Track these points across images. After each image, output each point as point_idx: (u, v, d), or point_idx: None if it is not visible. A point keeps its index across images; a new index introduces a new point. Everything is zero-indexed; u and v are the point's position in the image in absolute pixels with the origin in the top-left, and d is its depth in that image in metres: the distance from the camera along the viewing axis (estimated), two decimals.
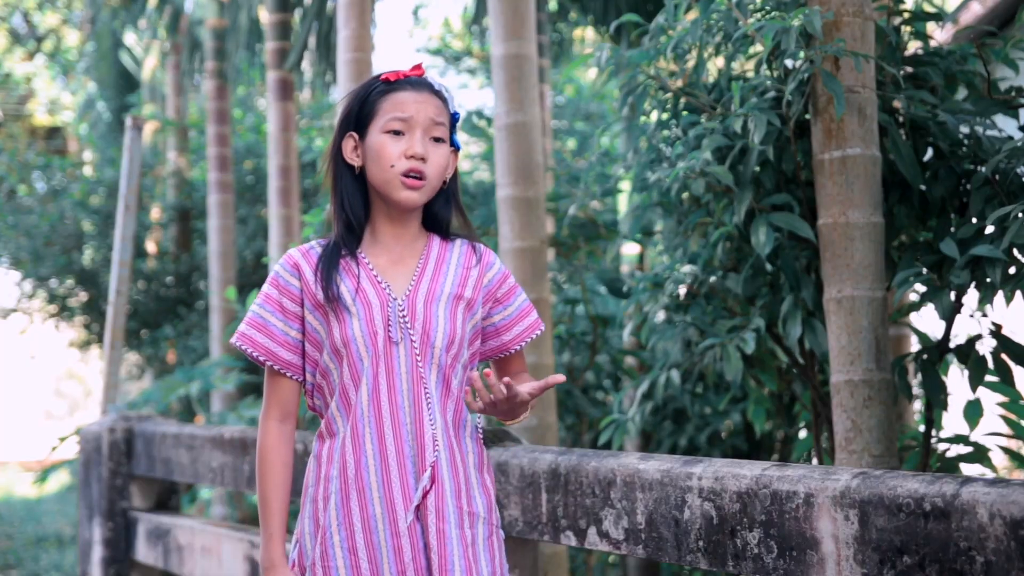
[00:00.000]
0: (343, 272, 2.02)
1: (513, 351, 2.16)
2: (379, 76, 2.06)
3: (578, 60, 4.22)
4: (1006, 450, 3.09)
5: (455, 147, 2.10)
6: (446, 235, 2.13)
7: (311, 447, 2.10)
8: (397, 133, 2.00)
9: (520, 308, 2.16)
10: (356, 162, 2.05)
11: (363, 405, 1.98)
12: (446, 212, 2.12)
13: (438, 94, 2.05)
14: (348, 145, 2.06)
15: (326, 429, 2.04)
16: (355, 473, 1.97)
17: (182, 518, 4.21)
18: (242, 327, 2.07)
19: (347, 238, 2.05)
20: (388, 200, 2.03)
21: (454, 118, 2.09)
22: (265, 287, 2.08)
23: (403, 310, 2.00)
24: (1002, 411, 3.19)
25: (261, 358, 2.05)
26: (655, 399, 3.57)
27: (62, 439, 6.67)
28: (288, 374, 2.06)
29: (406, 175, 1.99)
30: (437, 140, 2.03)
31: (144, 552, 4.27)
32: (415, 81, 2.04)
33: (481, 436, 2.10)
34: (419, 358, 1.99)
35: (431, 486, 1.97)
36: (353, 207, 2.05)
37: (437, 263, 2.07)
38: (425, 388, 1.99)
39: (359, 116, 2.05)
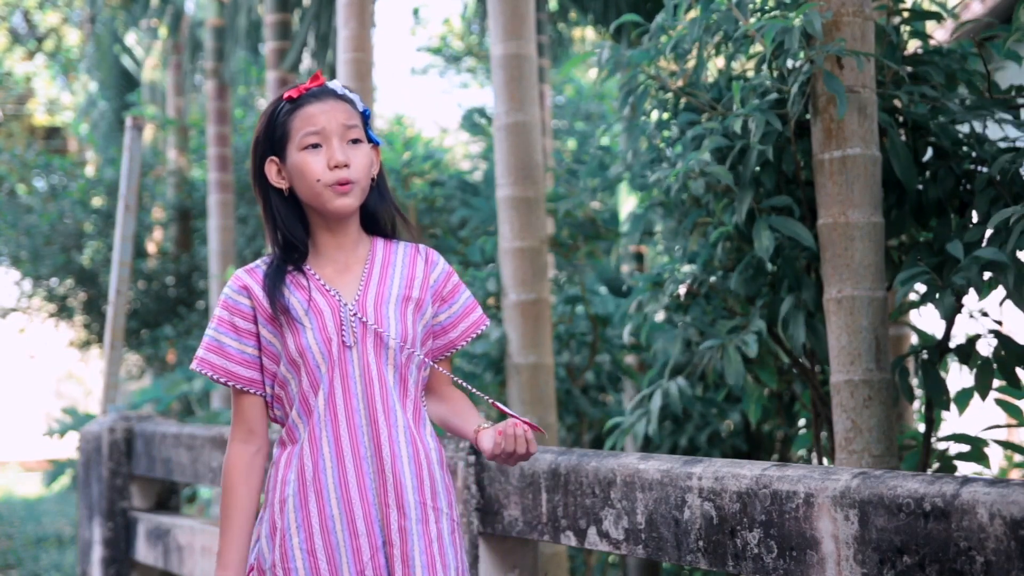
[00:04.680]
0: (293, 286, 2.05)
1: (459, 348, 2.21)
2: (281, 96, 2.09)
3: (577, 58, 4.21)
4: (1005, 444, 3.08)
5: (374, 143, 2.12)
6: (390, 236, 2.16)
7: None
8: (315, 147, 2.03)
9: (465, 305, 2.19)
10: (283, 185, 2.07)
11: (320, 410, 2.01)
12: (382, 207, 2.14)
13: (343, 98, 2.07)
14: (272, 170, 2.08)
15: (287, 436, 2.07)
16: (313, 476, 2.00)
17: (182, 518, 4.21)
18: (199, 353, 2.09)
19: (290, 257, 2.08)
20: (324, 212, 2.06)
21: (365, 115, 2.11)
22: (216, 311, 2.11)
23: (355, 314, 2.03)
24: (999, 395, 3.18)
25: (222, 380, 2.08)
26: (672, 407, 3.55)
27: (62, 429, 6.66)
28: (251, 391, 2.09)
29: (336, 184, 2.02)
30: (354, 142, 2.05)
31: (144, 552, 4.27)
32: (317, 92, 2.06)
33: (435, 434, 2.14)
34: (373, 360, 2.02)
35: (395, 481, 2.00)
36: (290, 228, 2.08)
37: (383, 267, 2.10)
38: (381, 389, 2.02)
39: (273, 140, 2.07)
